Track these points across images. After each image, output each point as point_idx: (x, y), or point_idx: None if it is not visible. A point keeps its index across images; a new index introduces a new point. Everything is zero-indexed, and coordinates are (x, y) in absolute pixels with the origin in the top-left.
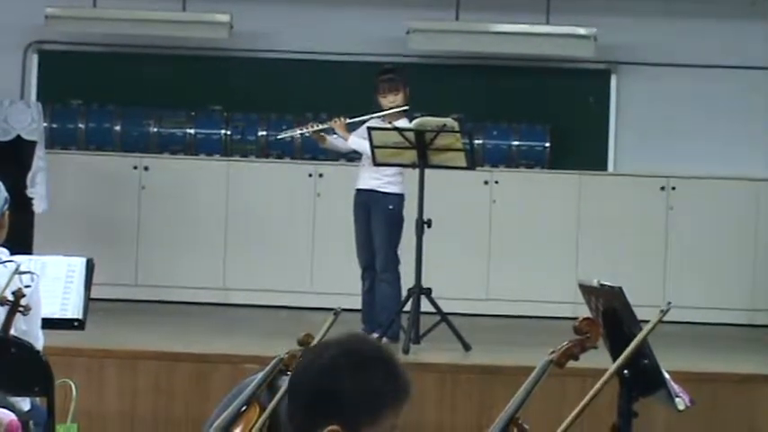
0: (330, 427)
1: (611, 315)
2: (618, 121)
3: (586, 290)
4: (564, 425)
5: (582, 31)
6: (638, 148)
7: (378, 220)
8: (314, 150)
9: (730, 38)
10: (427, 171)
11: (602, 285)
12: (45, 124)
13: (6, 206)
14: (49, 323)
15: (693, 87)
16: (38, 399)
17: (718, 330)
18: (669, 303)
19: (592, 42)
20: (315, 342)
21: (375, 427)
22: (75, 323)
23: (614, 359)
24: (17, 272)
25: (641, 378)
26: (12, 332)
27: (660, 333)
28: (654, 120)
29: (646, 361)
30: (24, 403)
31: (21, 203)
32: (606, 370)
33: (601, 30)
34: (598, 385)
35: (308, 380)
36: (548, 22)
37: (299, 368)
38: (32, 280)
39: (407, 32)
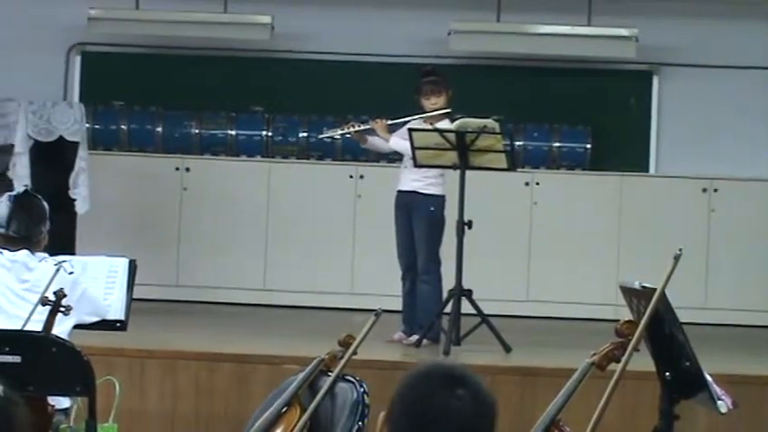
0: None
1: (653, 317)
2: (660, 122)
3: (628, 292)
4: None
5: (623, 32)
6: (679, 150)
7: (419, 222)
8: (355, 152)
9: None
10: (468, 172)
11: (643, 287)
12: (87, 125)
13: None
14: (90, 324)
15: (736, 89)
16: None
17: (761, 333)
18: (680, 249)
19: (633, 43)
20: (357, 342)
21: None
22: (118, 324)
23: (656, 361)
24: (60, 264)
25: (683, 380)
26: (54, 331)
27: (702, 335)
28: (696, 121)
29: (687, 363)
30: (64, 401)
31: (63, 204)
32: (649, 372)
33: (642, 31)
34: (622, 363)
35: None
36: (589, 24)
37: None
38: (72, 266)
39: (449, 33)
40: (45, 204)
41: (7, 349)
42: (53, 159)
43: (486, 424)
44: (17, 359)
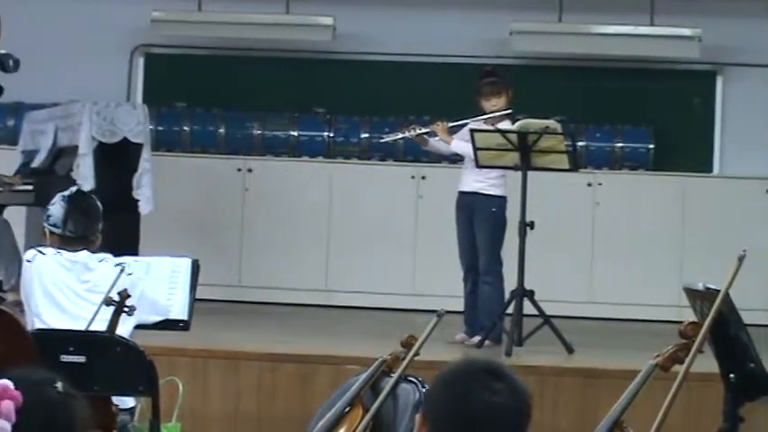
0: None
1: (717, 318)
2: (723, 122)
3: (692, 293)
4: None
5: (687, 32)
6: (743, 151)
7: (481, 223)
8: (416, 152)
9: None
10: (530, 173)
11: (707, 289)
12: (151, 126)
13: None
14: (154, 324)
15: None
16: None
17: None
18: (744, 250)
19: (697, 43)
20: (419, 343)
21: None
22: (181, 324)
23: (720, 363)
24: (121, 265)
25: (748, 382)
26: (118, 331)
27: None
28: (760, 122)
29: (752, 365)
30: (129, 401)
31: (127, 205)
32: (713, 374)
33: (706, 31)
34: (686, 365)
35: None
36: (652, 23)
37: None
38: (131, 267)
39: (510, 34)
40: (98, 203)
41: (72, 349)
42: (117, 160)
43: (525, 415)
44: (82, 359)
